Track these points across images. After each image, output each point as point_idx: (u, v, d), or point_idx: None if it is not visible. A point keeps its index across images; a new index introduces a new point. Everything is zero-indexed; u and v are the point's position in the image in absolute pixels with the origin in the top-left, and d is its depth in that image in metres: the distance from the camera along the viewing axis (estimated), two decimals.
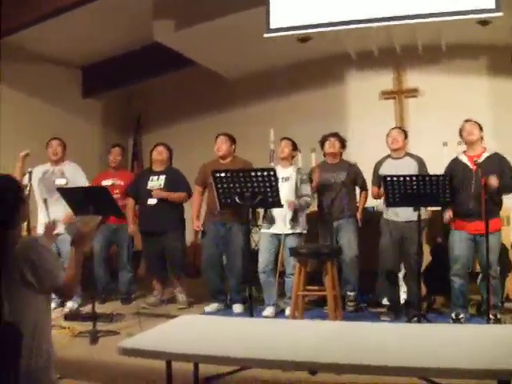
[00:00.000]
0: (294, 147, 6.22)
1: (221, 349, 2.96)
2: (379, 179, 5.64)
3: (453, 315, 5.37)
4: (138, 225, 6.74)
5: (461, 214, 5.35)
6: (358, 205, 6.30)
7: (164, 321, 3.74)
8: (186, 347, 3.02)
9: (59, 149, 6.53)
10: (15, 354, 2.39)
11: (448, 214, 5.44)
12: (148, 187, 6.55)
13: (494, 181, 5.05)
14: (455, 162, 5.53)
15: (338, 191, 5.97)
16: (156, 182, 6.54)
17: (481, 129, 5.46)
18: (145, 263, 7.10)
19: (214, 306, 6.29)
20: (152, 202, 6.48)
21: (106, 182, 6.83)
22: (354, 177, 6.16)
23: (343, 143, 6.28)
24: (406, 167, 5.63)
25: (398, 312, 5.72)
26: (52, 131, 6.92)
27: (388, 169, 5.68)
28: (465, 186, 5.28)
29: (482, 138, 5.48)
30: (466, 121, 5.55)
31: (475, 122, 5.50)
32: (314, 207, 6.43)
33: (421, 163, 5.74)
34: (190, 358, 3.05)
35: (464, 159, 5.44)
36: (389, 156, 5.86)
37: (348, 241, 6.04)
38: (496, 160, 5.33)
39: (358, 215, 6.15)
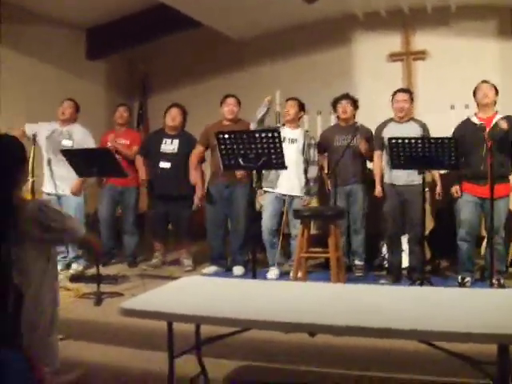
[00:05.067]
0: (301, 108, 6.14)
1: (222, 310, 2.96)
2: (381, 142, 5.62)
3: (459, 279, 5.37)
4: (147, 187, 6.72)
5: (471, 176, 5.29)
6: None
7: (168, 282, 3.74)
8: (187, 308, 3.02)
9: (68, 110, 6.44)
10: (15, 312, 2.42)
11: (455, 189, 5.41)
12: (161, 150, 6.49)
13: (503, 124, 4.99)
14: (466, 123, 5.42)
15: (353, 154, 5.94)
16: (170, 146, 6.48)
17: (496, 92, 5.34)
18: (149, 224, 7.06)
19: (212, 269, 6.30)
20: (166, 165, 6.44)
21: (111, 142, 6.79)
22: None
23: (355, 104, 6.18)
24: (409, 132, 5.48)
25: (398, 275, 5.73)
26: (55, 93, 6.89)
27: (391, 132, 5.55)
28: (475, 149, 5.20)
29: (495, 102, 5.35)
30: (483, 81, 5.40)
31: (492, 84, 5.37)
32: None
33: (424, 129, 5.65)
34: (191, 319, 3.05)
35: (475, 121, 5.32)
36: (392, 119, 5.77)
37: (357, 210, 6.01)
38: (509, 122, 5.20)
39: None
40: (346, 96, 6.20)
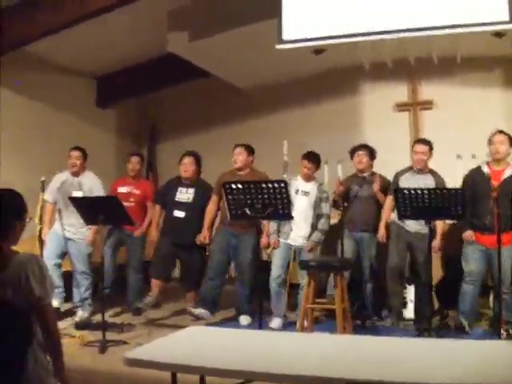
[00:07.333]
0: (315, 163, 6.10)
1: (226, 361, 2.94)
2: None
3: (462, 320, 5.37)
4: (160, 233, 6.62)
5: (477, 226, 5.30)
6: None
7: (174, 331, 3.72)
8: (191, 359, 3.00)
9: (78, 161, 6.44)
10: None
11: (468, 233, 5.38)
12: (176, 199, 6.46)
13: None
14: (477, 171, 5.42)
15: (362, 204, 5.98)
16: (185, 195, 6.46)
17: (511, 144, 5.32)
18: (153, 261, 6.67)
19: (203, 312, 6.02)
20: (180, 214, 6.41)
21: (122, 189, 6.84)
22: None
23: (372, 154, 6.22)
24: (423, 183, 5.48)
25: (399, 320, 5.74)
26: (66, 141, 6.94)
27: (406, 181, 5.61)
28: (483, 200, 5.19)
29: (509, 154, 5.34)
30: (498, 132, 5.39)
31: (506, 136, 5.34)
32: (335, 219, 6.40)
33: (437, 183, 5.62)
34: (196, 370, 3.03)
35: (485, 170, 5.32)
36: (411, 168, 5.79)
37: (366, 259, 5.99)
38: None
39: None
40: (364, 146, 6.26)
